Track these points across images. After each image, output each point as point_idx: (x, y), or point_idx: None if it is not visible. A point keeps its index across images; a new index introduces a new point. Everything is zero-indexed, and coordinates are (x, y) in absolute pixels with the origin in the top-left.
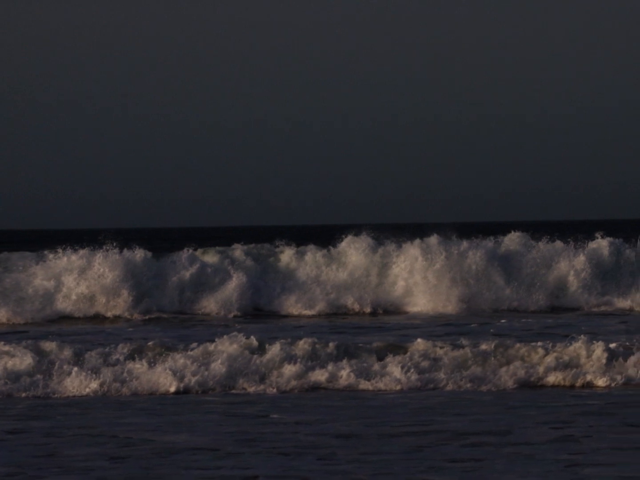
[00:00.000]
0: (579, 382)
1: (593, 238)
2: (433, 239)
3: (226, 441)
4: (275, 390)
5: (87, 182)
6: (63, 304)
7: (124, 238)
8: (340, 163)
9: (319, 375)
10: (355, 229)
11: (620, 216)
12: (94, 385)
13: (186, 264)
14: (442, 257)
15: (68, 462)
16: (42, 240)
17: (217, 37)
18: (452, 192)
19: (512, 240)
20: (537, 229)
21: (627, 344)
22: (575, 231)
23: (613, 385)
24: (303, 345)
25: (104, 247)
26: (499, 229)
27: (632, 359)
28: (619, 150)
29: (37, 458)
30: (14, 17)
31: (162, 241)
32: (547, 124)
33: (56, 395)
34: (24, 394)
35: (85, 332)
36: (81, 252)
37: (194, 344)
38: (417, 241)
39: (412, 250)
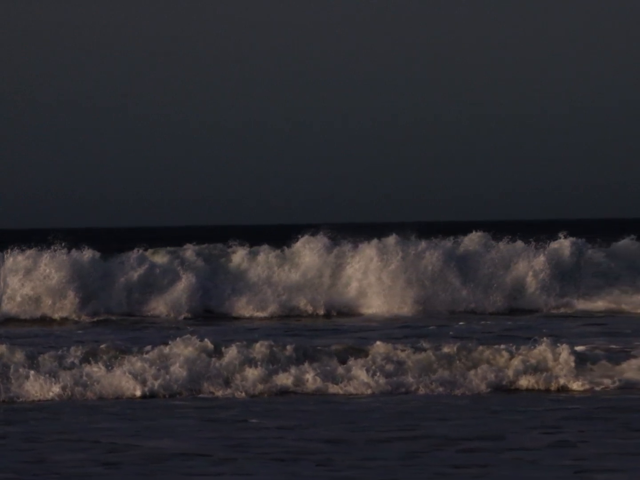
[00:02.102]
0: (553, 386)
1: (556, 238)
2: (390, 239)
3: (213, 446)
4: (243, 394)
5: (87, 182)
6: (8, 306)
7: (75, 238)
8: (340, 163)
9: (285, 379)
10: (313, 228)
11: (621, 215)
12: (56, 389)
13: (134, 264)
14: (398, 257)
15: (61, 469)
16: (41, 240)
17: (217, 37)
18: (452, 192)
19: (472, 240)
20: (536, 228)
21: (614, 346)
22: (574, 230)
23: (598, 389)
24: (260, 348)
25: (52, 247)
26: (497, 227)
27: (634, 362)
28: (619, 149)
29: (27, 464)
30: (14, 17)
31: (138, 241)
32: (547, 124)
33: (21, 400)
34: None
35: (33, 334)
36: (28, 252)
37: (148, 347)
38: (374, 241)
39: (368, 251)
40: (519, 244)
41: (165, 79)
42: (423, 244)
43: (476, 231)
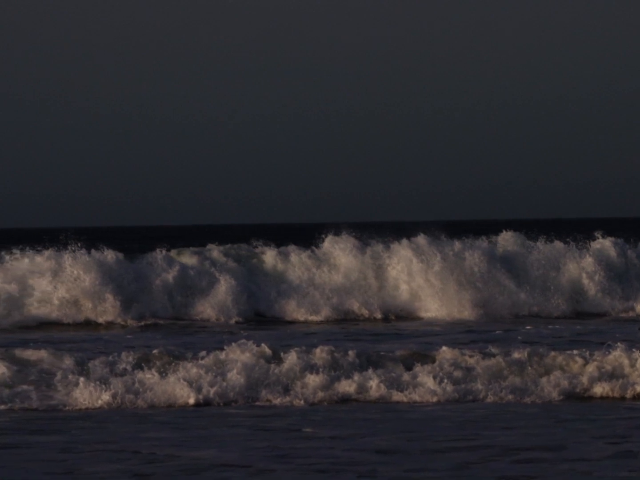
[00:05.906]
0: (628, 394)
1: (593, 238)
2: (420, 239)
3: (257, 457)
4: (302, 402)
5: (87, 182)
6: (45, 309)
7: (86, 238)
8: (340, 162)
9: (347, 386)
10: (334, 227)
11: (621, 214)
12: (106, 397)
13: (164, 266)
14: (437, 258)
15: None
16: (50, 240)
17: (218, 36)
18: (451, 190)
19: (507, 240)
20: (534, 228)
21: None
22: (576, 229)
23: None
24: (321, 354)
25: (69, 247)
26: (494, 227)
27: None
28: (619, 148)
29: (55, 476)
30: (14, 17)
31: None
32: (547, 123)
33: (67, 408)
34: (2, 406)
35: (80, 339)
36: (46, 253)
37: (203, 352)
38: (405, 241)
39: (403, 252)
40: (558, 244)
41: (165, 79)
42: (457, 244)
43: (506, 231)
